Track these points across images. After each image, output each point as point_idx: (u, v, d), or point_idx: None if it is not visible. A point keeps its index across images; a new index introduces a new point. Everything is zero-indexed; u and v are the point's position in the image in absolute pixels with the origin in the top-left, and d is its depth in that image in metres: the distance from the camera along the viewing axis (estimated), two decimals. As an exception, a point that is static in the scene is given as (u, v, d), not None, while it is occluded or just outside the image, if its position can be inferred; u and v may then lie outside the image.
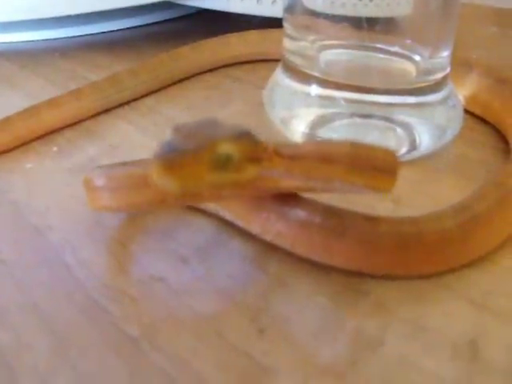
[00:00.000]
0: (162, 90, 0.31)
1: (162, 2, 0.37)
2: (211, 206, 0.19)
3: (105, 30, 0.43)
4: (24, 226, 0.20)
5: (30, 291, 0.17)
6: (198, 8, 0.42)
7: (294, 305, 0.16)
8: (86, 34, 0.43)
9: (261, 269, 0.17)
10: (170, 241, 0.19)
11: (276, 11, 0.35)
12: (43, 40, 0.43)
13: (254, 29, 0.34)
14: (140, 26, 0.45)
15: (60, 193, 0.22)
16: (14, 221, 0.20)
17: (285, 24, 0.25)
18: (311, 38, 0.25)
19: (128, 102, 0.30)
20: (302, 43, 0.25)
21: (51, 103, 0.26)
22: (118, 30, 0.44)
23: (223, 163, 0.14)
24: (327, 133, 0.24)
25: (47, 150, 0.25)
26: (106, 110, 0.29)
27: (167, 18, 0.45)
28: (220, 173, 0.14)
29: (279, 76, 0.26)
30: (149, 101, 0.30)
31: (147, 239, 0.19)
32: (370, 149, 0.16)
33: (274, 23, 0.33)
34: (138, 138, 0.26)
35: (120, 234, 0.19)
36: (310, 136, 0.24)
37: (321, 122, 0.24)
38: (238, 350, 0.15)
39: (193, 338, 0.15)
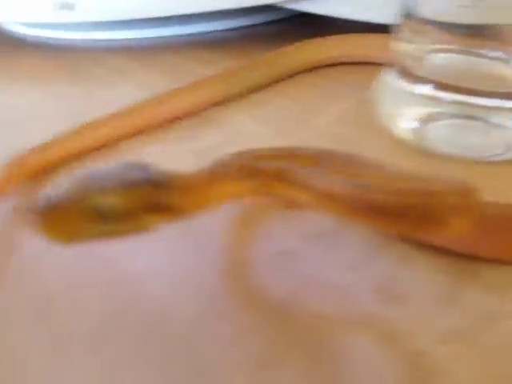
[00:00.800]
0: (270, 86, 0.33)
1: (266, 4, 0.39)
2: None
3: (212, 30, 0.46)
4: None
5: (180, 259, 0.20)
6: (297, 11, 0.45)
7: (415, 281, 0.18)
8: (195, 33, 0.46)
9: (384, 249, 0.20)
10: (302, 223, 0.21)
11: (377, 17, 0.37)
12: (155, 37, 0.46)
13: (349, 32, 0.36)
14: (244, 27, 0.48)
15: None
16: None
17: (399, 28, 0.28)
18: (421, 41, 0.28)
19: (242, 96, 0.32)
20: (413, 46, 0.27)
21: (175, 93, 0.29)
22: (224, 30, 0.47)
23: (107, 215, 0.14)
24: (432, 131, 0.26)
25: (171, 137, 0.28)
26: (224, 102, 0.32)
27: (269, 19, 0.48)
28: (105, 224, 0.14)
29: (388, 76, 0.28)
30: (260, 95, 0.33)
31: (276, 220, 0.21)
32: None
33: (371, 28, 0.36)
34: (254, 127, 0.29)
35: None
36: (416, 133, 0.26)
37: (426, 120, 0.27)
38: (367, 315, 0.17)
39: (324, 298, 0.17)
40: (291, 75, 0.35)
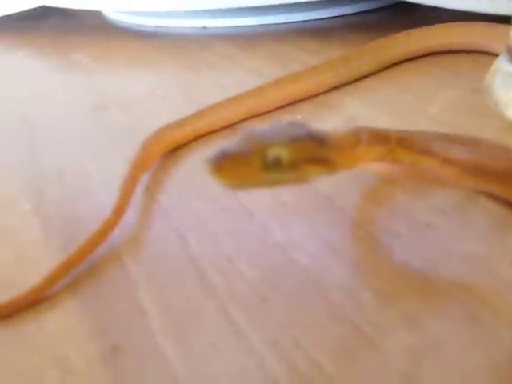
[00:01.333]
0: (380, 73, 0.34)
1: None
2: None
3: (313, 18, 0.48)
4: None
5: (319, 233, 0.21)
6: (393, 0, 0.46)
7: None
8: (296, 21, 0.48)
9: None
10: (430, 198, 0.22)
11: (479, 6, 0.37)
12: (258, 25, 0.48)
13: (448, 22, 0.37)
14: (343, 16, 0.49)
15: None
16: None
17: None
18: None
19: (352, 82, 0.33)
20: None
21: (294, 78, 0.31)
22: (324, 19, 0.48)
23: (272, 164, 0.16)
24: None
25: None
26: (334, 88, 0.33)
27: (369, 8, 0.49)
28: (271, 173, 0.16)
29: (503, 63, 0.29)
30: (369, 81, 0.34)
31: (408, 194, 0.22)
32: None
33: (469, 18, 0.37)
34: (369, 112, 0.30)
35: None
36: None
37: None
38: (510, 283, 0.18)
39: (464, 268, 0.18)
40: (398, 63, 0.35)
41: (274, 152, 0.16)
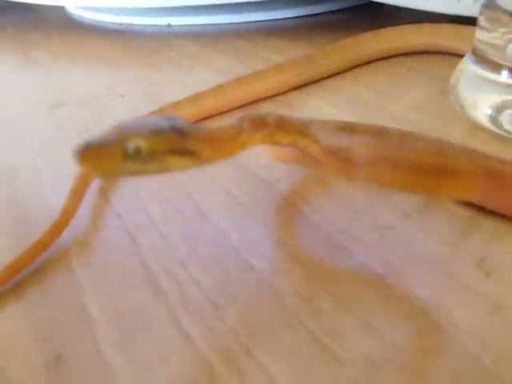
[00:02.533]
0: (346, 72, 0.34)
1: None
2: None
3: (279, 17, 0.47)
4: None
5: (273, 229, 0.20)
6: (359, 1, 0.45)
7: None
8: (262, 20, 0.47)
9: (477, 225, 0.20)
10: (391, 199, 0.21)
11: (445, 7, 0.37)
12: (223, 24, 0.47)
13: (410, 23, 0.36)
14: (309, 16, 0.48)
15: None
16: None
17: (480, 17, 0.28)
18: (502, 30, 0.28)
19: (316, 81, 0.33)
20: (493, 35, 0.28)
21: (253, 76, 0.30)
22: (290, 18, 0.47)
23: (133, 155, 0.17)
24: (509, 118, 0.26)
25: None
26: (297, 87, 0.32)
27: (335, 8, 0.49)
28: (132, 163, 0.17)
29: (468, 64, 0.29)
30: (335, 80, 0.33)
31: (371, 196, 0.22)
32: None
33: (436, 18, 0.36)
34: (332, 112, 0.29)
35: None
36: (494, 119, 0.26)
37: (503, 107, 0.27)
38: (470, 288, 0.17)
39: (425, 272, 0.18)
40: (366, 63, 0.35)
41: (134, 143, 0.17)
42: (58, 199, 0.23)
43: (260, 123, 0.20)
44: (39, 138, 0.29)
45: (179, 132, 0.17)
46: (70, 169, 0.24)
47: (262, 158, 0.24)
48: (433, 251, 0.18)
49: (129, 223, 0.21)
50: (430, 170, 0.18)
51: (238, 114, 0.21)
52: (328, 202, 0.21)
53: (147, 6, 0.45)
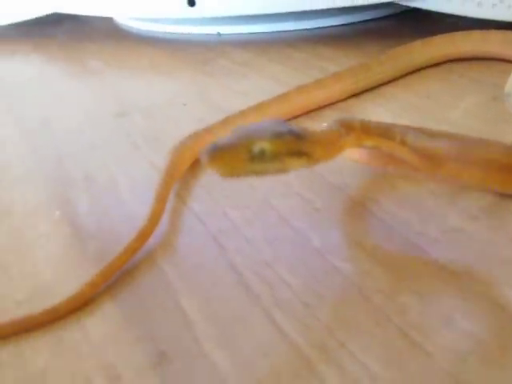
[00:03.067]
0: (399, 80, 0.35)
1: (384, 2, 0.41)
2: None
3: (325, 25, 0.48)
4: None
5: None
6: (406, 7, 0.46)
7: None
8: (309, 28, 0.48)
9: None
10: (459, 202, 0.22)
11: (494, 14, 0.38)
12: (272, 32, 0.49)
13: (457, 29, 0.37)
14: (355, 23, 0.50)
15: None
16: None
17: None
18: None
19: (372, 89, 0.34)
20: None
21: (317, 84, 0.31)
22: (336, 26, 0.49)
23: (257, 156, 0.19)
24: None
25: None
26: (355, 95, 0.33)
27: (381, 15, 0.50)
28: (256, 163, 0.19)
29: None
30: (389, 88, 0.34)
31: (438, 199, 0.23)
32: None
33: (483, 24, 0.37)
34: (389, 118, 0.30)
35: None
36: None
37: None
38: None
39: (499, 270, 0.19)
40: (417, 70, 0.36)
41: (259, 145, 0.19)
42: (135, 205, 0.24)
43: (349, 127, 0.22)
44: (108, 145, 0.31)
45: (296, 136, 0.19)
46: (143, 175, 0.26)
47: (332, 163, 0.25)
48: (505, 252, 0.19)
49: (212, 228, 0.22)
50: (503, 167, 0.21)
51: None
52: (399, 205, 0.22)
53: (196, 17, 0.46)
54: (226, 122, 0.28)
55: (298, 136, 0.20)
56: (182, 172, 0.25)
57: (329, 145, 0.21)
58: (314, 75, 0.35)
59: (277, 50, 0.43)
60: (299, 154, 0.20)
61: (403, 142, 0.22)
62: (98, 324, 0.18)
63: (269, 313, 0.18)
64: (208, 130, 0.27)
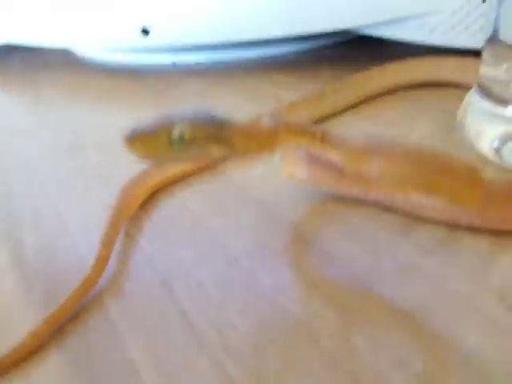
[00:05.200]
0: (355, 108, 0.35)
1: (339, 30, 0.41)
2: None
3: (281, 53, 0.49)
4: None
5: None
6: (357, 34, 0.47)
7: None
8: (265, 56, 0.49)
9: (499, 256, 0.21)
10: (413, 236, 0.22)
11: (445, 40, 0.39)
12: (228, 60, 0.49)
13: (411, 55, 0.38)
14: (310, 50, 0.50)
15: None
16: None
17: (484, 52, 0.29)
18: (505, 66, 0.29)
19: (327, 117, 0.34)
20: (497, 70, 0.29)
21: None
22: (291, 53, 0.49)
23: (177, 140, 0.19)
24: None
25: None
26: (313, 123, 0.33)
27: (334, 42, 0.50)
28: (176, 147, 0.19)
29: (474, 97, 0.30)
30: (345, 117, 0.34)
31: (391, 233, 0.23)
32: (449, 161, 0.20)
33: (434, 50, 0.38)
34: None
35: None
36: (497, 150, 0.27)
37: (507, 139, 0.28)
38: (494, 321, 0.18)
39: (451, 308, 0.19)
40: (372, 97, 0.36)
41: (178, 129, 0.19)
42: (85, 245, 0.24)
43: (294, 128, 0.22)
44: (59, 181, 0.30)
45: (218, 123, 0.20)
46: (94, 214, 0.25)
47: (282, 198, 0.25)
48: (458, 287, 0.19)
49: (161, 269, 0.22)
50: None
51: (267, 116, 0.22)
52: (351, 239, 0.22)
53: (150, 45, 0.46)
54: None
55: (220, 124, 0.20)
56: (133, 210, 0.25)
57: (255, 137, 0.21)
58: (269, 104, 0.35)
59: (232, 79, 0.43)
60: (219, 141, 0.20)
61: (326, 141, 0.22)
62: (44, 376, 0.18)
63: (217, 358, 0.17)
64: (159, 166, 0.26)
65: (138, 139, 0.19)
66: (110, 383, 0.17)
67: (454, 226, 0.22)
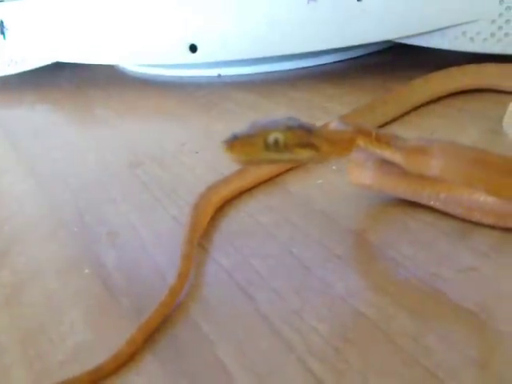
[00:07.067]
0: (402, 118, 0.37)
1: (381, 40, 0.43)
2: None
3: (322, 63, 0.50)
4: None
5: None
6: (394, 43, 0.48)
7: None
8: (308, 66, 0.50)
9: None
10: (470, 239, 0.24)
11: (485, 47, 0.40)
12: (271, 72, 0.51)
13: (449, 61, 0.39)
14: (351, 59, 0.52)
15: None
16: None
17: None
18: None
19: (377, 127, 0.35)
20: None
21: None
22: (333, 62, 0.51)
23: (272, 146, 0.21)
24: None
25: (327, 169, 0.32)
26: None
27: (374, 50, 0.52)
28: (271, 152, 0.21)
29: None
30: (394, 127, 0.36)
31: (449, 239, 0.24)
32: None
33: (468, 58, 0.39)
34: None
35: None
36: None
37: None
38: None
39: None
40: (418, 107, 0.37)
41: (273, 136, 0.21)
42: (161, 258, 0.26)
43: (358, 130, 0.24)
44: (128, 198, 0.32)
45: (306, 129, 0.22)
46: (165, 227, 0.27)
47: (346, 209, 0.27)
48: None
49: (239, 279, 0.23)
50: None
51: (337, 121, 0.25)
52: (413, 246, 0.24)
53: (197, 61, 0.48)
54: (242, 172, 0.29)
55: (308, 130, 0.22)
56: (205, 225, 0.26)
57: (336, 141, 0.23)
58: (317, 116, 0.36)
59: (279, 91, 0.45)
60: (308, 146, 0.22)
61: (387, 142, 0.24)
62: (142, 381, 0.19)
63: (303, 360, 0.19)
64: (225, 180, 0.28)
65: (237, 144, 0.21)
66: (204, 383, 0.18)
67: (506, 230, 0.23)
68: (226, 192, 0.28)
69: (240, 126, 0.38)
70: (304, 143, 0.22)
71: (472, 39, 0.40)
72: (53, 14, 0.52)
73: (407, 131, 0.35)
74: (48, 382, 0.19)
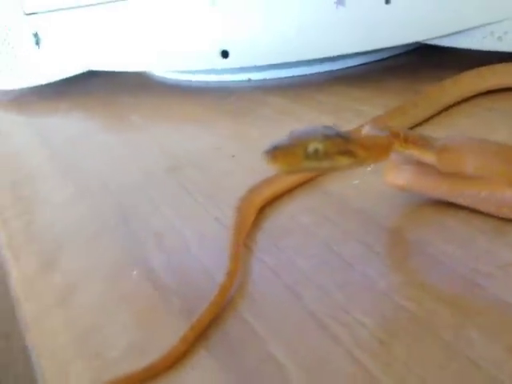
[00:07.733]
0: (432, 119, 0.37)
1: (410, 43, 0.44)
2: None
3: (348, 66, 0.52)
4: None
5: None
6: (419, 44, 0.49)
7: None
8: (335, 70, 0.51)
9: None
10: (506, 235, 0.25)
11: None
12: (299, 75, 0.52)
13: (474, 62, 0.40)
14: (377, 61, 0.53)
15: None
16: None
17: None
18: None
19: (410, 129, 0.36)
20: None
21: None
22: (359, 65, 0.52)
23: (312, 155, 0.22)
24: None
25: (363, 170, 0.32)
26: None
27: (400, 52, 0.52)
28: (311, 161, 0.22)
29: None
30: (424, 129, 0.37)
31: (486, 235, 0.25)
32: None
33: (493, 57, 0.40)
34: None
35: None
36: None
37: None
38: None
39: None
40: (447, 108, 0.38)
41: (313, 145, 0.22)
42: (207, 259, 0.27)
43: (394, 134, 0.25)
44: (169, 201, 0.33)
45: (344, 137, 0.23)
46: (209, 230, 0.28)
47: (382, 208, 0.28)
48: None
49: (284, 277, 0.24)
50: None
51: (371, 126, 0.26)
52: (451, 243, 0.25)
53: (228, 67, 0.49)
54: (281, 175, 0.30)
55: (346, 138, 0.23)
56: (249, 226, 0.28)
57: (373, 147, 0.24)
58: (349, 118, 0.37)
59: (307, 95, 0.46)
60: (347, 153, 0.23)
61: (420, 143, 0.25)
62: (196, 377, 0.20)
63: (351, 352, 0.20)
64: (267, 181, 0.29)
65: (279, 155, 0.21)
66: (259, 379, 0.20)
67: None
68: (267, 194, 0.29)
69: (273, 130, 0.40)
70: (342, 151, 0.23)
71: (500, 38, 0.41)
72: (84, 24, 0.53)
73: (437, 132, 0.35)
74: (106, 377, 0.20)
